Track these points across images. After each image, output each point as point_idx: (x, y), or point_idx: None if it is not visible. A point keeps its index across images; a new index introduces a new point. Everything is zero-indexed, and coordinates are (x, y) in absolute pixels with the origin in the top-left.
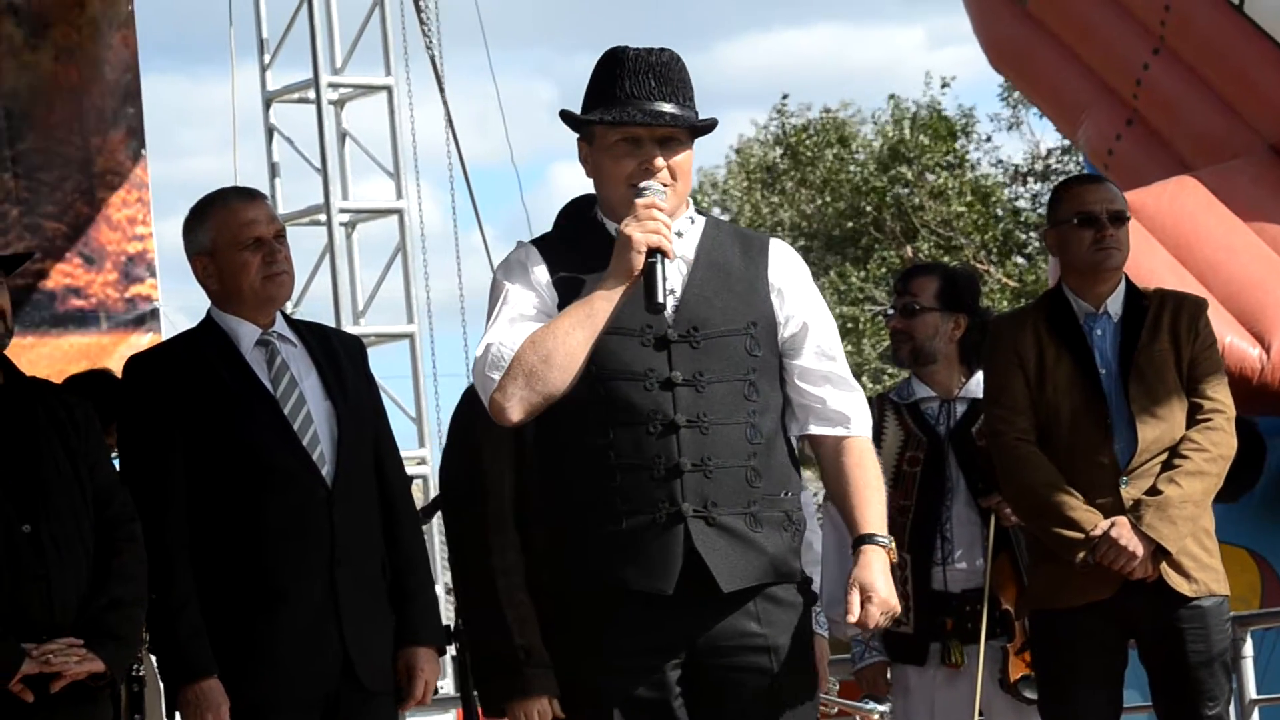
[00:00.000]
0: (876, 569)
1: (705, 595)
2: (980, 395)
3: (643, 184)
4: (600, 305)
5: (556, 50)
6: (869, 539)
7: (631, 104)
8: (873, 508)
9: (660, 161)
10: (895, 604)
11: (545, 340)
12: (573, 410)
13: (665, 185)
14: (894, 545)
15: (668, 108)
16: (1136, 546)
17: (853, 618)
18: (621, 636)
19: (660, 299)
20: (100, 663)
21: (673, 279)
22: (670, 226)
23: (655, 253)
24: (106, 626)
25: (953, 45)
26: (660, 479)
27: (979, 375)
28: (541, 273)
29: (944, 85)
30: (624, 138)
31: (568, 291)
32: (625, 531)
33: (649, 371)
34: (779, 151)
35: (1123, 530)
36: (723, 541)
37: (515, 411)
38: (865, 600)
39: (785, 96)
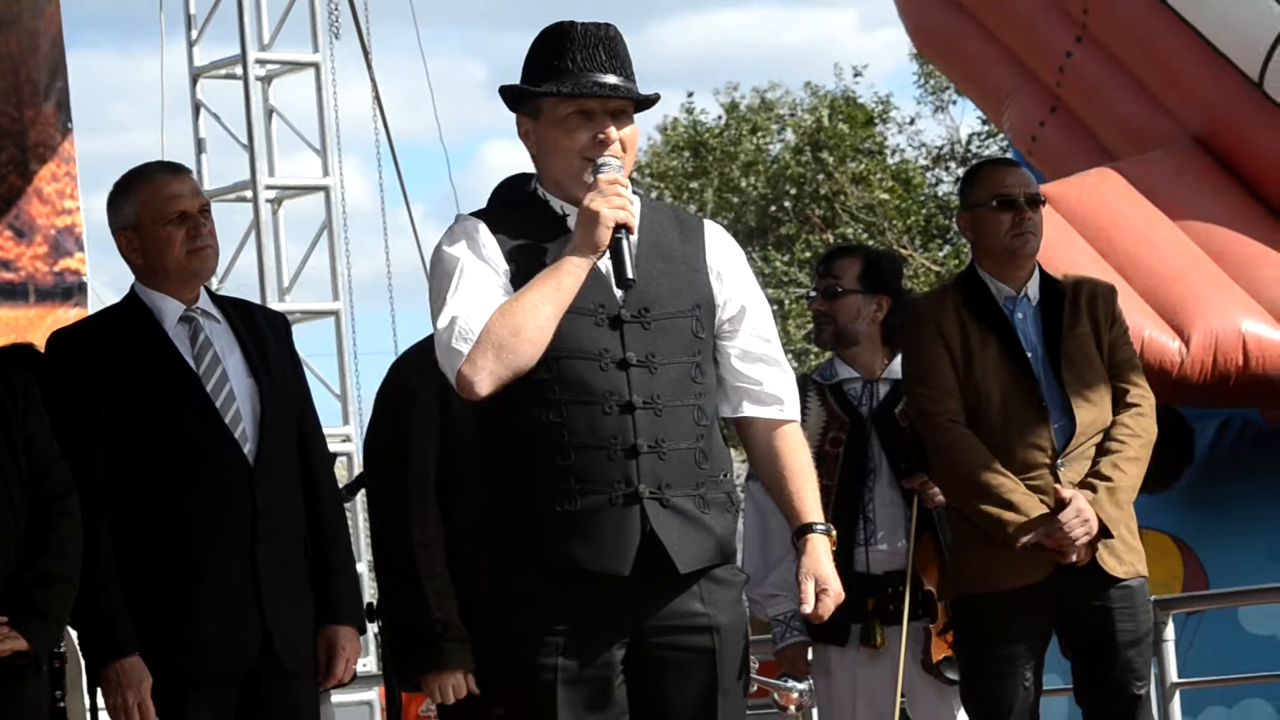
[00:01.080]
0: (824, 559)
1: (657, 576)
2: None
3: (600, 160)
4: (567, 280)
5: (488, 28)
6: (810, 528)
7: (584, 75)
8: (810, 495)
9: (614, 133)
10: (841, 592)
11: (515, 313)
12: (521, 387)
13: (619, 159)
14: (834, 532)
15: (618, 80)
16: (1093, 523)
17: (808, 608)
18: (568, 616)
19: (631, 275)
20: (24, 641)
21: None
22: (633, 202)
23: (620, 228)
24: (34, 603)
25: (885, 28)
26: (617, 459)
27: (898, 359)
28: (491, 245)
29: (856, 75)
30: (577, 110)
31: (519, 266)
32: (578, 512)
33: (603, 351)
34: (685, 155)
35: (1082, 506)
36: (677, 523)
37: (484, 385)
38: (821, 592)
39: (690, 94)
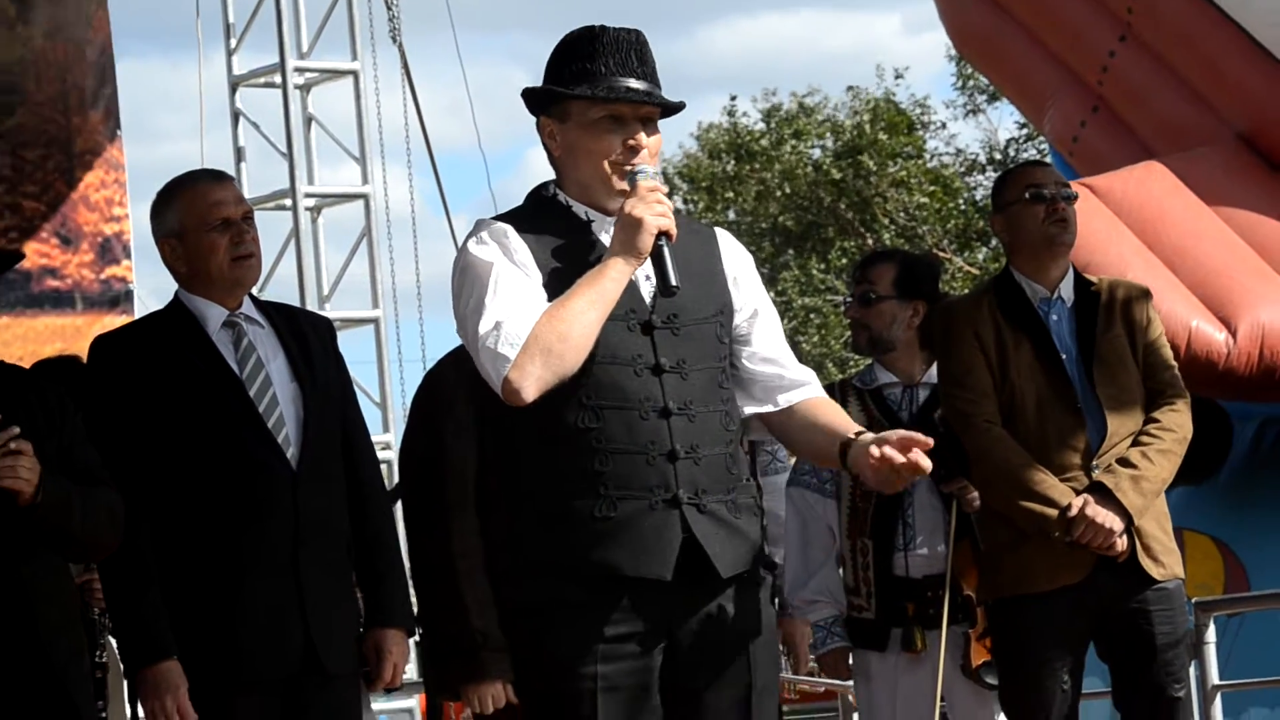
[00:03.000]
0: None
1: (696, 581)
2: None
3: (638, 166)
4: (610, 285)
5: (531, 35)
6: (857, 435)
7: (617, 79)
8: (850, 423)
9: (644, 139)
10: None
11: (562, 318)
12: (554, 392)
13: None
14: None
15: (649, 86)
16: (1113, 521)
17: (899, 458)
18: (607, 623)
19: (674, 281)
20: (26, 484)
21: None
22: (671, 209)
23: (662, 235)
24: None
25: (930, 31)
26: (655, 464)
27: (934, 365)
28: (523, 251)
29: (898, 77)
30: (608, 114)
31: (546, 271)
32: (617, 518)
33: (637, 357)
34: (726, 159)
35: (1096, 508)
36: (714, 527)
37: (530, 390)
38: (884, 442)
39: (734, 98)
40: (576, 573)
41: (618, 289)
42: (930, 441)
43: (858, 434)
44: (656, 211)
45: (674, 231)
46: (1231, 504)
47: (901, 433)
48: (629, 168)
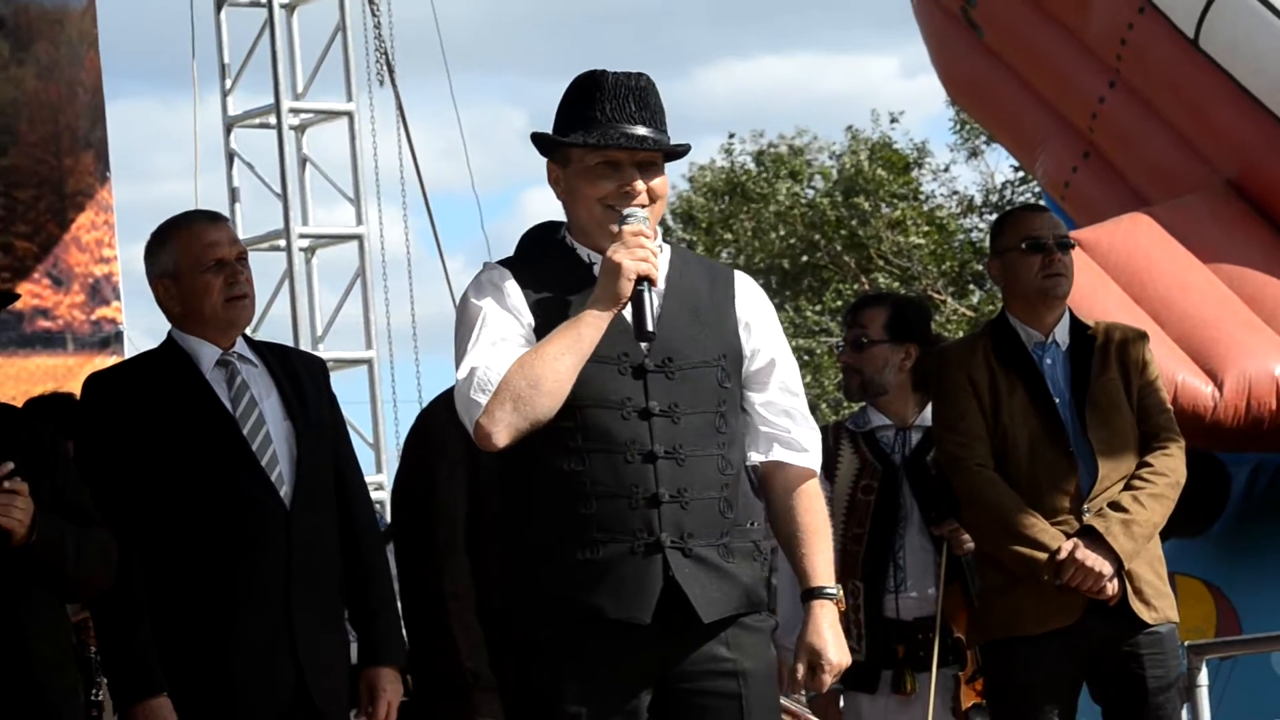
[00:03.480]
0: (826, 628)
1: (681, 625)
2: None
3: (626, 210)
4: (588, 331)
5: (530, 76)
6: (818, 593)
7: (612, 126)
8: (822, 556)
9: (640, 185)
10: (846, 660)
11: (534, 365)
12: (543, 436)
13: (645, 210)
14: (842, 594)
15: (647, 131)
16: (1103, 565)
17: (800, 689)
18: (594, 664)
19: (650, 327)
20: (19, 525)
21: (655, 306)
22: (657, 255)
23: (642, 280)
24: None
25: (926, 74)
26: (638, 508)
27: (929, 406)
28: (516, 295)
29: (893, 120)
30: (604, 160)
31: (543, 315)
32: (600, 560)
33: (626, 400)
34: (720, 199)
35: (1086, 552)
36: (700, 572)
37: (502, 437)
38: (816, 668)
39: (731, 135)
40: (563, 613)
41: (595, 335)
42: (841, 668)
43: (816, 590)
44: (637, 256)
45: (655, 276)
46: (1224, 548)
47: (829, 662)
48: (622, 213)
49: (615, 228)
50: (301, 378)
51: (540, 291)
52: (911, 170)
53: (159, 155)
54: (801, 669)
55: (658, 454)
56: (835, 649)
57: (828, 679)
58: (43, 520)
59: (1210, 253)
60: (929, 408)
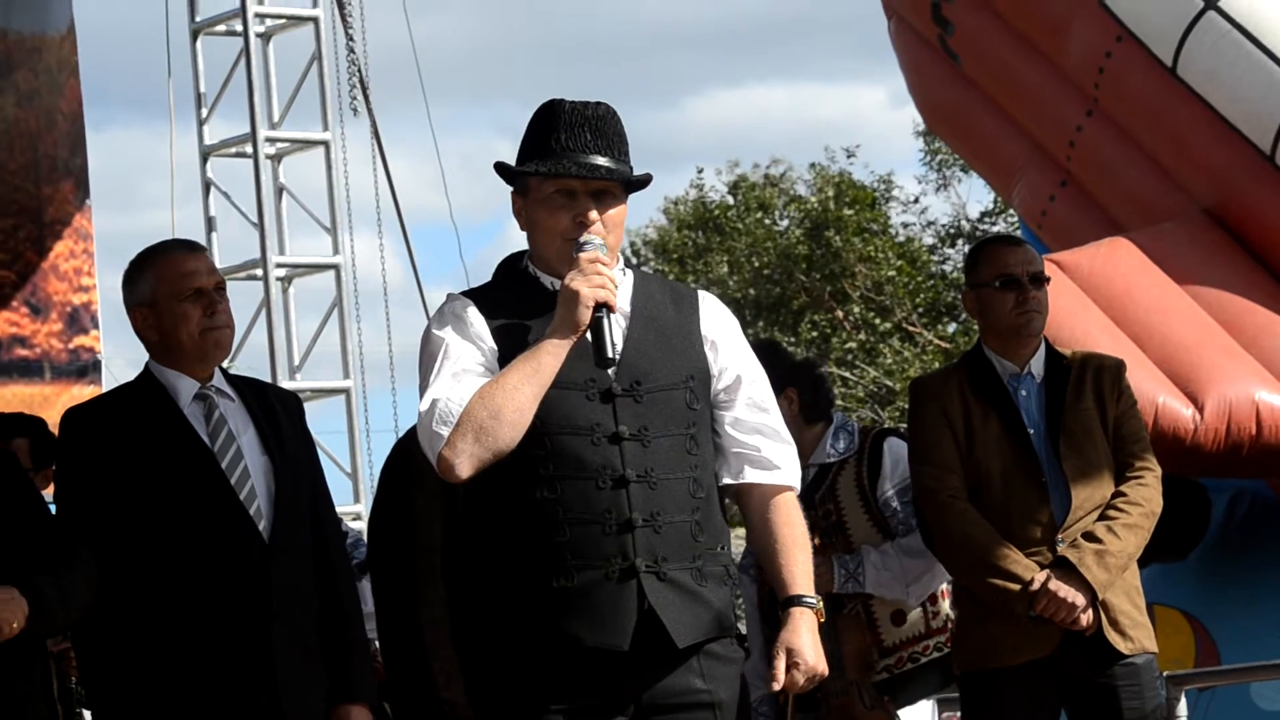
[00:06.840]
0: (804, 632)
1: (655, 651)
2: (830, 460)
3: (583, 238)
4: (547, 360)
5: (514, 106)
6: (797, 600)
7: (567, 156)
8: (801, 566)
9: (594, 214)
10: (822, 668)
11: (494, 395)
12: (514, 464)
13: (601, 238)
14: (822, 605)
15: (602, 161)
16: (1077, 597)
17: (777, 685)
18: (569, 692)
19: (610, 354)
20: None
21: (615, 333)
22: (615, 281)
23: (601, 307)
24: (39, 584)
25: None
26: (611, 534)
27: (828, 439)
28: (479, 324)
29: (849, 155)
30: (559, 190)
31: (507, 344)
32: (575, 588)
33: (595, 426)
34: (694, 231)
35: (1059, 583)
36: (674, 596)
37: (464, 468)
38: (792, 665)
39: (700, 171)
40: (539, 642)
41: (555, 363)
42: (816, 671)
43: (795, 598)
44: (595, 284)
45: (614, 302)
46: (1202, 578)
47: (805, 664)
48: (579, 241)
49: (572, 256)
50: (278, 413)
51: (503, 320)
52: (877, 205)
53: (144, 183)
54: (781, 666)
55: (629, 478)
56: (812, 652)
57: (799, 678)
58: (31, 609)
59: (1191, 278)
60: (826, 443)
